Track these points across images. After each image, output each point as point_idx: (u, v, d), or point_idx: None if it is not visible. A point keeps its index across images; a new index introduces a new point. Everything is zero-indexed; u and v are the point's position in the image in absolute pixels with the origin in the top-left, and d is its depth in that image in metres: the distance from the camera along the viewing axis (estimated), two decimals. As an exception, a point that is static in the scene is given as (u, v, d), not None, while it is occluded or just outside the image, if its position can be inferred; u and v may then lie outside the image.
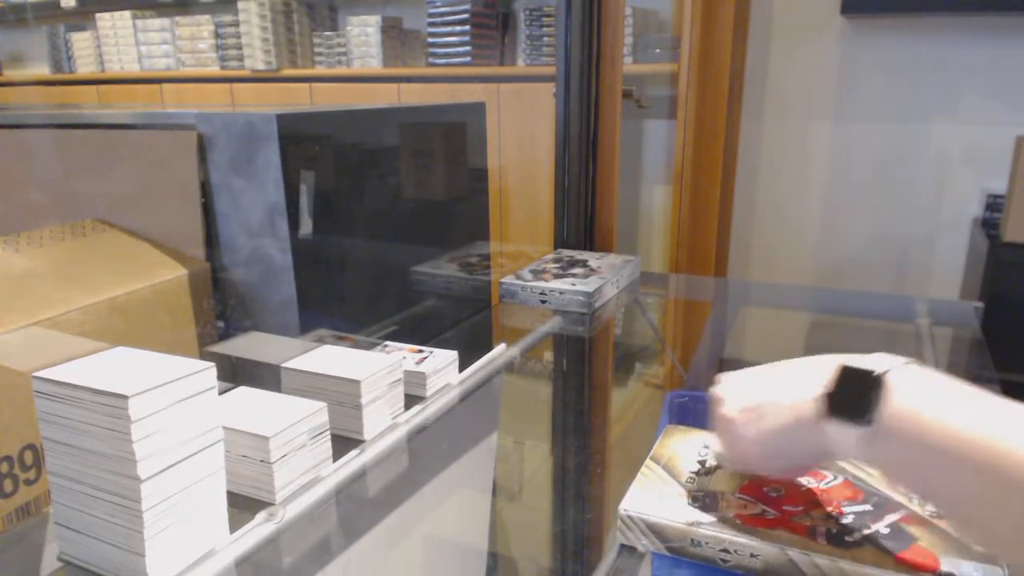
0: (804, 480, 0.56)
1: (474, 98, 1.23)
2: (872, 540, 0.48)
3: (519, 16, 2.57)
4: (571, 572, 0.59)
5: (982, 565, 0.46)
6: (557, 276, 1.16)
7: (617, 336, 1.14)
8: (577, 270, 1.19)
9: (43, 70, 3.65)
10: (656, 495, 0.55)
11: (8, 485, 0.65)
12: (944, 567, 0.46)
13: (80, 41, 3.44)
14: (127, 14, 3.23)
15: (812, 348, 1.14)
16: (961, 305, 1.26)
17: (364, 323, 0.95)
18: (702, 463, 0.59)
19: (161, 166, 0.85)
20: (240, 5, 2.87)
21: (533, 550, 0.64)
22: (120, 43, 3.28)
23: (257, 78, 2.91)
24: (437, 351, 0.81)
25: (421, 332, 1.05)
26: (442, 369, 0.79)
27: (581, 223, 1.38)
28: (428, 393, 0.76)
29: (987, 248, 1.78)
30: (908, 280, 2.20)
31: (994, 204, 1.99)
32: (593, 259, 1.27)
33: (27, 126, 0.97)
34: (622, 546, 0.54)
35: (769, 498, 0.54)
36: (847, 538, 0.49)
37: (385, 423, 0.69)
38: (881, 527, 0.50)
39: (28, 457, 0.66)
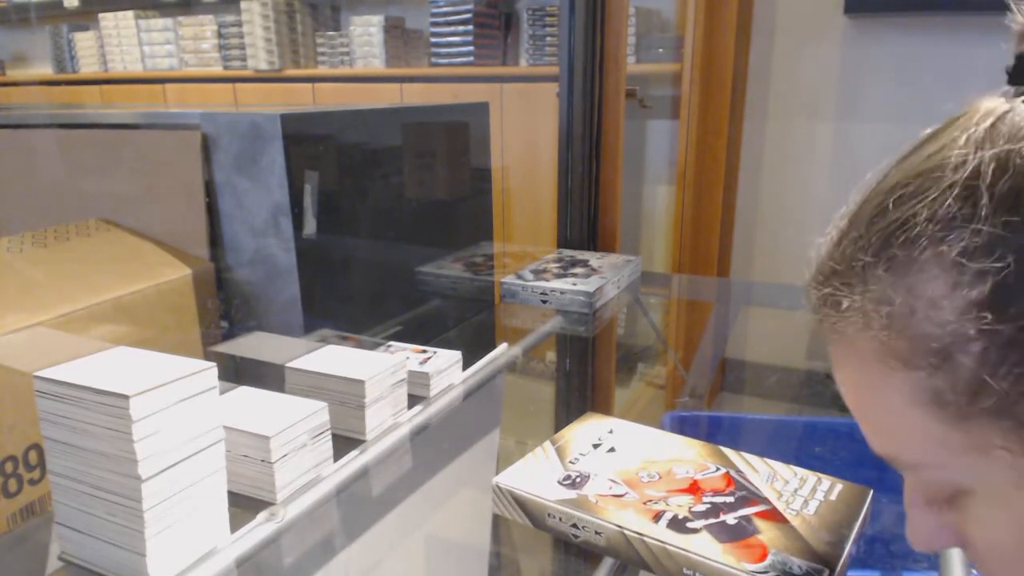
0: (684, 469, 0.59)
1: (477, 98, 1.23)
2: (712, 529, 0.51)
3: (522, 16, 2.57)
4: (572, 571, 0.59)
5: (807, 563, 0.47)
6: (558, 276, 1.16)
7: (619, 336, 1.14)
8: (578, 270, 1.19)
9: (46, 70, 3.65)
10: (532, 471, 0.59)
11: (12, 485, 0.65)
12: (769, 559, 0.47)
13: (83, 41, 3.44)
14: (130, 14, 3.24)
15: (814, 349, 1.14)
16: (964, 305, 1.25)
17: (368, 323, 0.95)
18: (596, 446, 0.62)
19: (165, 166, 0.85)
20: (243, 5, 2.87)
21: (534, 550, 0.64)
22: (123, 43, 3.29)
23: (260, 78, 2.91)
24: (441, 351, 0.80)
25: (424, 332, 1.05)
26: (446, 369, 0.79)
27: (584, 223, 1.37)
28: (431, 393, 0.76)
29: (991, 248, 1.78)
30: (911, 280, 2.20)
31: (998, 204, 1.98)
32: (594, 259, 1.27)
33: (31, 126, 0.97)
34: None
35: (640, 482, 0.57)
36: (689, 524, 0.51)
37: (387, 423, 0.69)
38: (730, 518, 0.52)
39: (32, 457, 0.66)
